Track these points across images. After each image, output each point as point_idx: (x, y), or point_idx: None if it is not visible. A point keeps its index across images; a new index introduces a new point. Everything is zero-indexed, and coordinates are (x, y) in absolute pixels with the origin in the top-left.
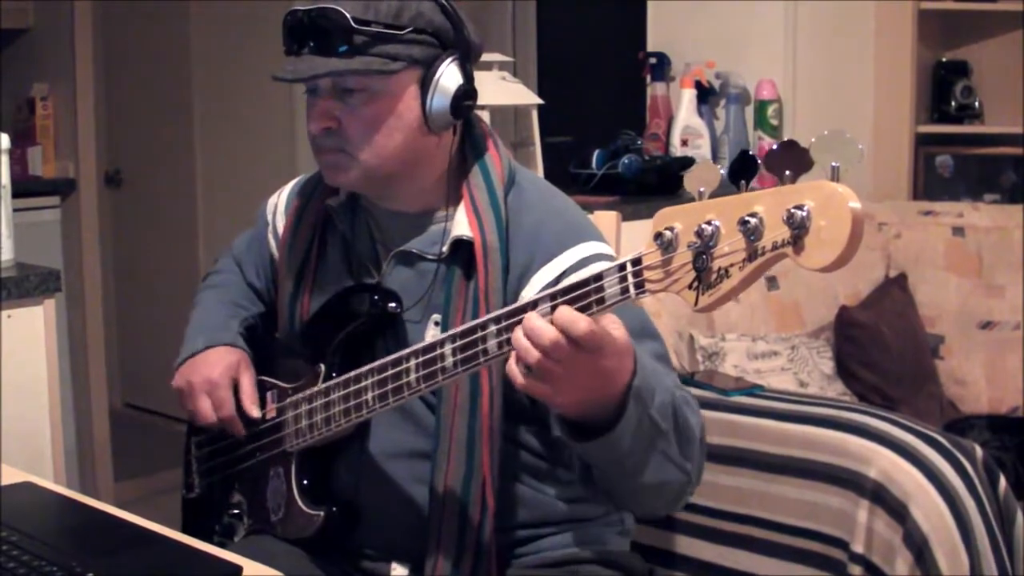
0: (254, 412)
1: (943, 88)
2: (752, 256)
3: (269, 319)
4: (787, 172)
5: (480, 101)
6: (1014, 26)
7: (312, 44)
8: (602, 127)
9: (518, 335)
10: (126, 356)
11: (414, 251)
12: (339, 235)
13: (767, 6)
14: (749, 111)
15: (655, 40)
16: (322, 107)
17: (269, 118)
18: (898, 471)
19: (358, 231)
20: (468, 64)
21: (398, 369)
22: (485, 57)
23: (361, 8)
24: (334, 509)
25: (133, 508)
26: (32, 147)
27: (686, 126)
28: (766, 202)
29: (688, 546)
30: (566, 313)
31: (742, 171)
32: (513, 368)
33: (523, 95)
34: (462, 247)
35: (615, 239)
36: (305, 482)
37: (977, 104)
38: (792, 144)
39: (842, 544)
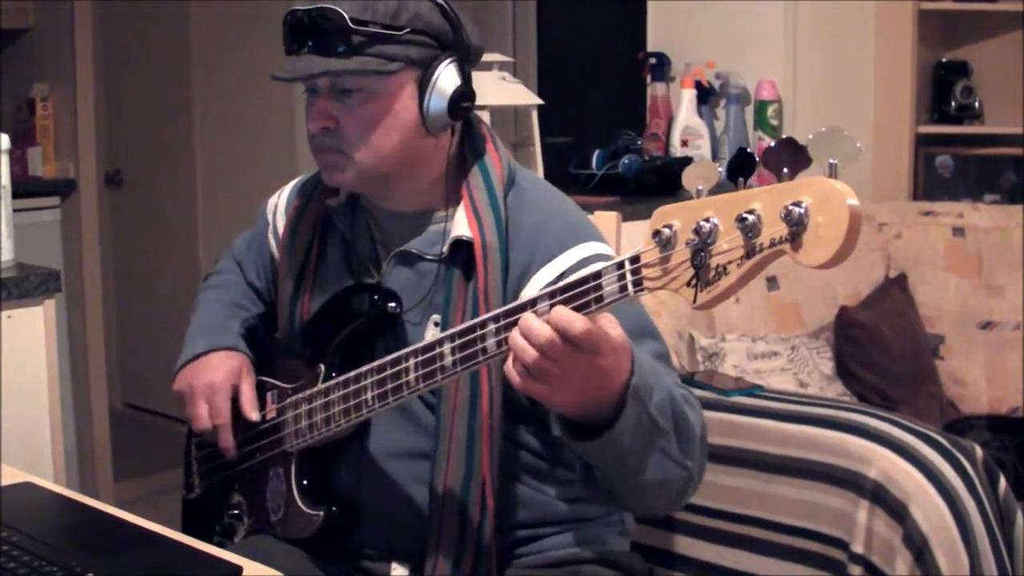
0: (253, 416)
1: (943, 88)
2: (750, 253)
3: (269, 319)
4: (785, 170)
5: (480, 101)
6: (1014, 26)
7: (310, 44)
8: (602, 127)
9: (515, 335)
10: (126, 356)
11: (414, 251)
12: (339, 235)
13: (767, 6)
14: (749, 111)
15: (655, 40)
16: (320, 107)
17: (269, 118)
18: (898, 471)
19: (358, 231)
20: (467, 65)
21: (397, 369)
22: (485, 57)
23: (359, 8)
24: (334, 509)
25: (133, 508)
26: (32, 147)
27: (686, 126)
28: (764, 199)
29: (688, 546)
30: (563, 313)
31: (740, 169)
32: (510, 368)
33: (523, 95)
34: (462, 247)
35: (615, 239)
36: (305, 482)
37: (977, 104)
38: (790, 141)
39: (842, 544)
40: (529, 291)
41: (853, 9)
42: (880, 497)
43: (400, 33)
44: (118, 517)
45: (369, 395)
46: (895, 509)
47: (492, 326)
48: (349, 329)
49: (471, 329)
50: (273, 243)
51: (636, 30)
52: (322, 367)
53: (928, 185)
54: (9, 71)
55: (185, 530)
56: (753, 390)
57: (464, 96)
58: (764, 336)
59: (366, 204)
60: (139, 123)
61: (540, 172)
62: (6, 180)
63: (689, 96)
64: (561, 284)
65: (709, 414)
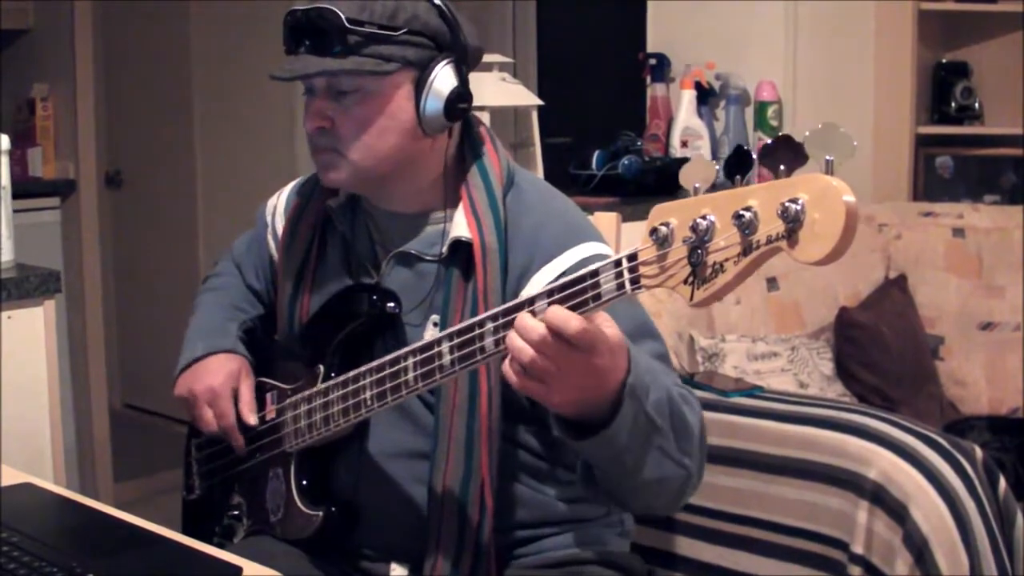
0: (251, 420)
1: (943, 89)
2: (747, 250)
3: (269, 321)
4: (781, 167)
5: (480, 102)
6: (1014, 27)
7: (308, 43)
8: (602, 128)
9: (512, 335)
10: (126, 356)
11: (413, 252)
12: (339, 236)
13: (767, 6)
14: (749, 112)
15: (655, 41)
16: (317, 107)
17: (269, 118)
18: (898, 472)
19: (357, 232)
20: (464, 67)
21: (396, 368)
22: (485, 58)
23: (356, 9)
24: (333, 509)
25: (133, 509)
26: (32, 148)
27: (686, 127)
28: (760, 196)
29: (688, 547)
30: (558, 312)
31: (737, 166)
32: (508, 368)
33: (523, 96)
34: (461, 248)
35: (615, 240)
36: (304, 482)
37: (977, 105)
38: (787, 139)
39: (842, 545)
40: (528, 291)
41: (853, 9)
42: (880, 498)
43: (397, 34)
44: (118, 518)
45: (368, 395)
46: (895, 510)
47: (490, 325)
48: (348, 329)
49: (469, 328)
50: (272, 244)
51: (636, 30)
52: (321, 367)
53: (928, 186)
54: (9, 71)
55: (185, 531)
56: (753, 391)
57: (461, 97)
58: (764, 337)
59: (365, 205)
60: (139, 123)
61: (540, 173)
62: (6, 180)
63: (689, 97)
64: (559, 283)
65: (709, 415)
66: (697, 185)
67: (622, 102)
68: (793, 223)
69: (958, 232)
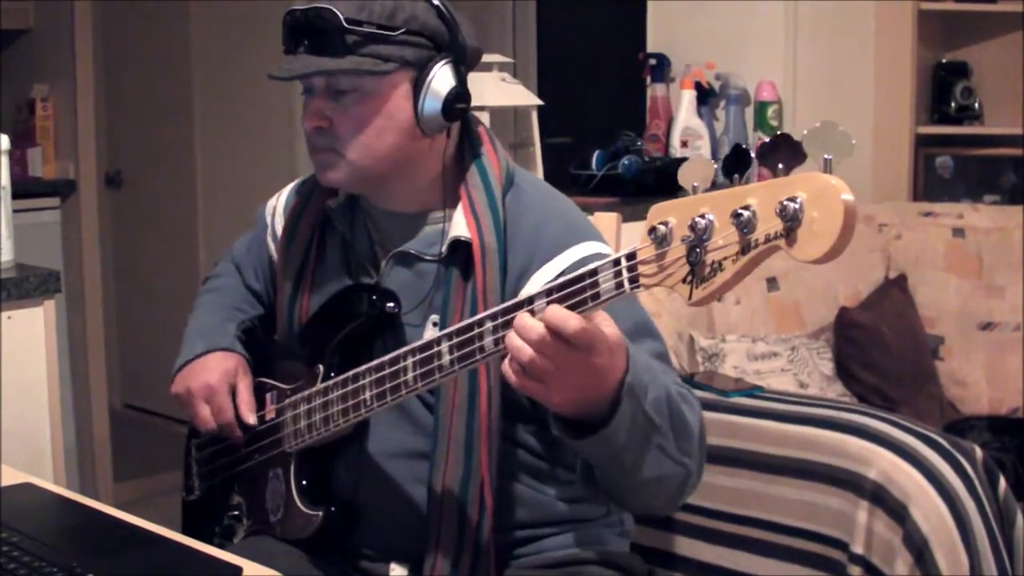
0: (250, 419)
1: (943, 89)
2: (745, 249)
3: (269, 321)
4: (780, 165)
5: (480, 102)
6: (1014, 27)
7: (307, 43)
8: (602, 128)
9: (511, 334)
10: (126, 356)
11: (412, 252)
12: (338, 236)
13: (767, 6)
14: (749, 112)
15: (655, 41)
16: (315, 106)
17: (269, 118)
18: (898, 472)
19: (357, 232)
20: (462, 67)
21: (395, 368)
22: (485, 58)
23: (355, 8)
24: (333, 509)
25: (133, 509)
26: (32, 148)
27: (686, 127)
28: (759, 195)
29: (688, 547)
30: (557, 312)
31: (736, 165)
32: (507, 367)
33: (523, 96)
34: (460, 248)
35: (615, 240)
36: (304, 482)
37: (977, 105)
38: (785, 138)
39: (842, 545)
40: (528, 291)
41: (853, 9)
42: (880, 498)
43: (395, 34)
44: (118, 518)
45: (368, 395)
46: (895, 510)
47: (489, 324)
48: (348, 329)
49: (469, 328)
50: (272, 245)
51: (636, 30)
52: (321, 367)
53: (928, 186)
54: (9, 71)
55: (185, 532)
56: (753, 391)
57: (459, 97)
58: (764, 337)
59: (365, 205)
60: (139, 123)
61: (540, 173)
62: (6, 181)
63: (689, 97)
64: (558, 282)
65: (709, 415)
66: (696, 184)
67: (622, 102)
68: (791, 221)
69: (958, 232)
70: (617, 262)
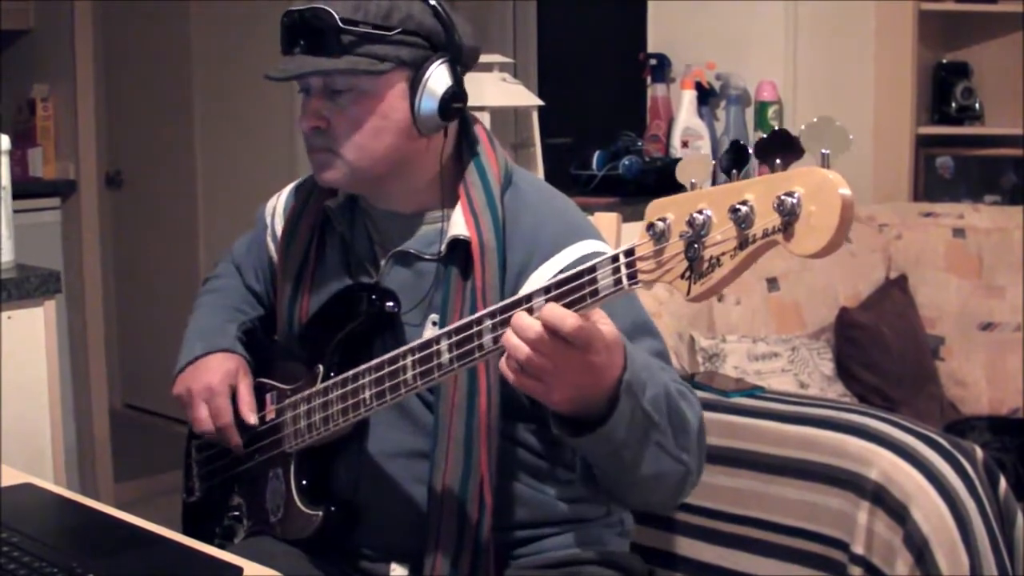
0: (251, 419)
1: (943, 89)
2: (743, 244)
3: (269, 322)
4: (777, 161)
5: (480, 102)
6: (1014, 27)
7: (303, 43)
8: (602, 128)
9: (508, 333)
10: (126, 356)
11: (412, 251)
12: (337, 236)
13: (767, 6)
14: (750, 112)
15: (655, 41)
16: (312, 106)
17: (269, 118)
18: (898, 472)
19: (356, 232)
20: (459, 67)
21: (395, 367)
22: (485, 58)
23: (351, 8)
24: (333, 509)
25: (133, 509)
26: (33, 148)
27: (686, 127)
28: (757, 190)
29: (688, 547)
30: (554, 310)
31: (734, 161)
32: (505, 366)
33: (523, 96)
34: (459, 247)
35: (615, 240)
36: (304, 482)
37: (977, 105)
38: (783, 133)
39: (842, 545)
40: (527, 289)
41: (853, 9)
42: (880, 498)
43: (391, 33)
44: (118, 518)
45: (367, 394)
46: (895, 510)
47: (488, 322)
48: (348, 329)
49: (467, 326)
50: (272, 246)
51: (636, 31)
52: (321, 367)
53: (928, 186)
54: (9, 71)
55: (185, 533)
56: (753, 391)
57: (455, 97)
58: (764, 337)
59: (364, 205)
60: (139, 123)
61: (540, 173)
62: (6, 181)
63: (689, 97)
64: (556, 280)
65: (709, 415)
66: (694, 181)
67: (622, 102)
68: (789, 216)
69: (958, 232)
70: (615, 258)
